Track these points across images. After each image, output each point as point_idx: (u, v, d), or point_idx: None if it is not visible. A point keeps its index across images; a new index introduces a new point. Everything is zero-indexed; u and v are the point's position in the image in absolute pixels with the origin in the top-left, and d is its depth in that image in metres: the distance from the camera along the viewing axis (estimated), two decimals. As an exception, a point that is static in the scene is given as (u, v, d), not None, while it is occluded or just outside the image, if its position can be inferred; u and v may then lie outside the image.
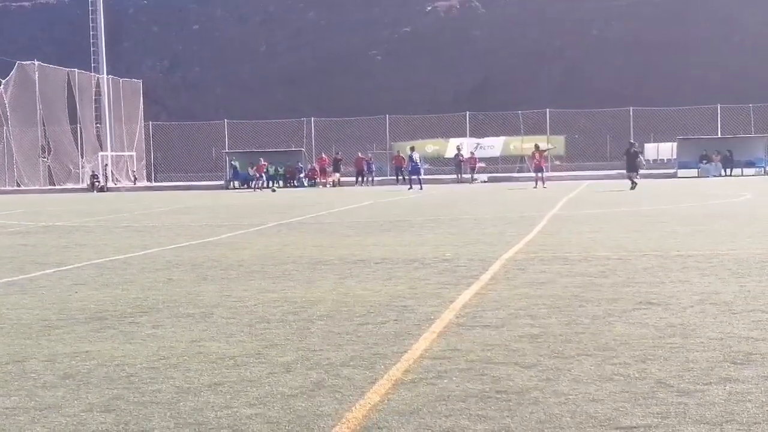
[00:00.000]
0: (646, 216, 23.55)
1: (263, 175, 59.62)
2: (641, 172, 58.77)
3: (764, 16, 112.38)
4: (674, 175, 58.74)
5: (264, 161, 59.57)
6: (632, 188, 40.34)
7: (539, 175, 47.71)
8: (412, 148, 54.89)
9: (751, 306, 9.22)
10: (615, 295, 10.15)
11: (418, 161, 51.51)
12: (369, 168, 63.57)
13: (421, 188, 48.75)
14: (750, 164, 62.15)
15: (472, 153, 66.03)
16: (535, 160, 49.11)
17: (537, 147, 50.34)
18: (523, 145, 72.60)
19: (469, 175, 62.56)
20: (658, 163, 69.44)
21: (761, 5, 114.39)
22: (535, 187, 46.04)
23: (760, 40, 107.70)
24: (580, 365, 6.82)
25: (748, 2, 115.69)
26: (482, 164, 66.26)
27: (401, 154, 62.08)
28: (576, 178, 58.23)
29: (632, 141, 47.78)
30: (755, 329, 8.02)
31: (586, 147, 76.94)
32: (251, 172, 62.37)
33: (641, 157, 44.81)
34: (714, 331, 7.97)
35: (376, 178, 63.69)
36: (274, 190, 54.83)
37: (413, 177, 50.64)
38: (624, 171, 58.34)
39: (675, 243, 15.98)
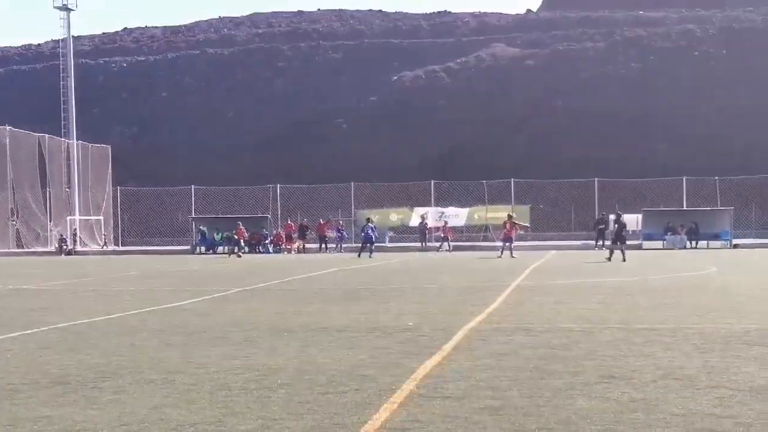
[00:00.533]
0: (611, 288, 23.54)
1: (241, 241, 59.51)
2: (606, 242, 59.43)
3: (729, 88, 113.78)
4: (639, 247, 58.91)
5: (243, 227, 59.63)
6: (609, 259, 40.30)
7: (507, 245, 47.70)
8: (368, 219, 55.69)
9: (715, 382, 9.17)
10: (577, 368, 10.10)
11: (370, 230, 52.17)
12: (341, 235, 63.65)
13: (371, 256, 49.38)
14: (715, 237, 62.32)
15: (445, 222, 66.16)
16: (505, 230, 49.10)
17: (510, 217, 50.38)
18: (488, 214, 72.90)
19: (438, 244, 62.83)
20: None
21: (726, 77, 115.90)
22: (500, 257, 46.04)
23: (726, 112, 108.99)
24: (541, 439, 6.76)
25: (712, 74, 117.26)
26: (439, 233, 66.41)
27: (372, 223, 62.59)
28: (540, 247, 58.35)
29: (619, 212, 47.68)
30: (719, 406, 7.96)
31: (551, 217, 77.30)
32: (216, 237, 62.69)
33: (627, 229, 44.61)
34: (677, 407, 7.91)
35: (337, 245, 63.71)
36: (239, 256, 54.74)
37: (365, 245, 51.34)
38: (593, 241, 59.09)
39: (639, 316, 15.97)
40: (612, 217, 65.52)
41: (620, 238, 42.67)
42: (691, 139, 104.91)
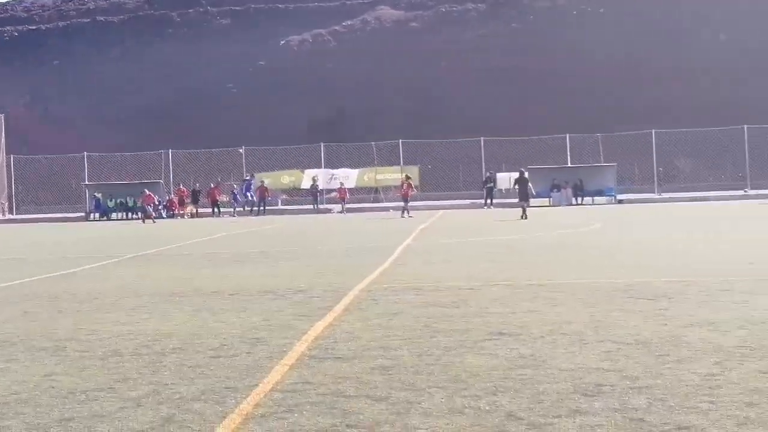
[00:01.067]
0: (499, 245, 23.85)
1: (151, 205, 59.16)
2: (494, 200, 60.09)
3: (608, 45, 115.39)
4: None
5: (149, 192, 59.36)
6: (523, 218, 40.14)
7: (407, 204, 47.97)
8: (251, 175, 55.59)
9: (602, 336, 9.30)
10: (466, 326, 10.18)
11: (245, 189, 52.43)
12: (235, 198, 63.40)
13: (252, 214, 49.79)
14: (600, 193, 63.36)
15: (341, 184, 66.20)
16: (402, 190, 49.26)
17: (408, 178, 50.61)
18: (377, 176, 73.17)
19: (332, 206, 63.07)
20: (509, 192, 70.48)
21: (605, 34, 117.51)
22: (407, 216, 46.05)
23: (605, 69, 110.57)
24: (431, 398, 6.83)
25: (591, 32, 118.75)
26: (335, 194, 66.62)
27: (264, 185, 62.64)
28: (430, 207, 58.65)
29: (522, 169, 47.72)
30: (605, 360, 8.08)
31: (439, 177, 77.80)
32: (109, 203, 62.62)
33: (531, 186, 44.41)
34: (564, 362, 8.02)
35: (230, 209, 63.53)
36: (153, 221, 54.38)
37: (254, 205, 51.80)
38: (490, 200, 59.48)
39: (526, 272, 16.19)
40: (501, 175, 66.54)
41: (524, 195, 42.70)
42: (573, 97, 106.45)
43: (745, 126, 71.72)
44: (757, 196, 61.31)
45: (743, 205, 49.88)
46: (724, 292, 12.62)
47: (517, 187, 44.67)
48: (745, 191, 66.56)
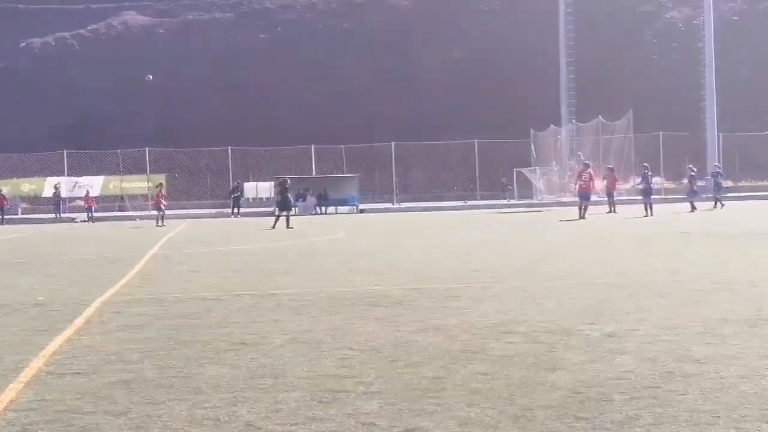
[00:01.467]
0: (244, 254, 23.95)
1: None
2: (241, 210, 60.34)
3: (352, 60, 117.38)
4: (273, 213, 60.02)
5: None
6: (288, 227, 40.24)
7: (161, 213, 48.31)
8: None
9: (339, 343, 9.51)
10: (209, 337, 10.23)
11: None
12: None
13: None
14: (343, 202, 65.07)
15: (87, 192, 64.97)
16: (154, 199, 49.78)
17: (161, 185, 51.51)
18: (123, 184, 72.33)
19: (84, 214, 61.92)
20: (257, 202, 71.08)
21: (349, 49, 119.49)
22: (163, 225, 46.33)
23: (349, 83, 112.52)
24: (171, 411, 6.84)
25: (336, 46, 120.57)
26: (80, 202, 65.43)
27: (2, 193, 61.10)
28: (178, 216, 58.23)
29: (284, 177, 47.89)
30: (342, 367, 8.28)
31: (187, 185, 77.43)
32: None
33: (290, 195, 44.58)
34: (303, 370, 8.17)
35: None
36: None
37: None
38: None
39: (270, 282, 16.34)
40: (248, 184, 67.00)
41: (285, 204, 42.90)
42: (317, 109, 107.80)
43: (476, 140, 75.44)
44: (477, 206, 64.83)
45: (466, 215, 52.24)
46: (451, 298, 13.17)
47: (278, 195, 45.02)
48: (465, 201, 70.13)
